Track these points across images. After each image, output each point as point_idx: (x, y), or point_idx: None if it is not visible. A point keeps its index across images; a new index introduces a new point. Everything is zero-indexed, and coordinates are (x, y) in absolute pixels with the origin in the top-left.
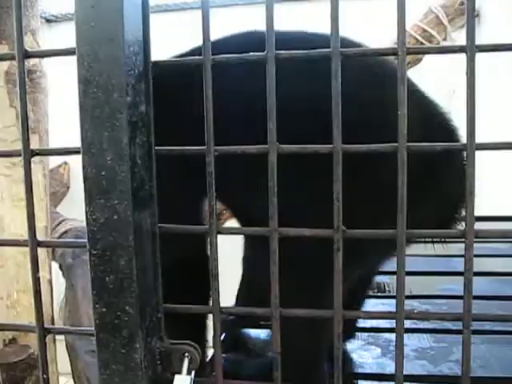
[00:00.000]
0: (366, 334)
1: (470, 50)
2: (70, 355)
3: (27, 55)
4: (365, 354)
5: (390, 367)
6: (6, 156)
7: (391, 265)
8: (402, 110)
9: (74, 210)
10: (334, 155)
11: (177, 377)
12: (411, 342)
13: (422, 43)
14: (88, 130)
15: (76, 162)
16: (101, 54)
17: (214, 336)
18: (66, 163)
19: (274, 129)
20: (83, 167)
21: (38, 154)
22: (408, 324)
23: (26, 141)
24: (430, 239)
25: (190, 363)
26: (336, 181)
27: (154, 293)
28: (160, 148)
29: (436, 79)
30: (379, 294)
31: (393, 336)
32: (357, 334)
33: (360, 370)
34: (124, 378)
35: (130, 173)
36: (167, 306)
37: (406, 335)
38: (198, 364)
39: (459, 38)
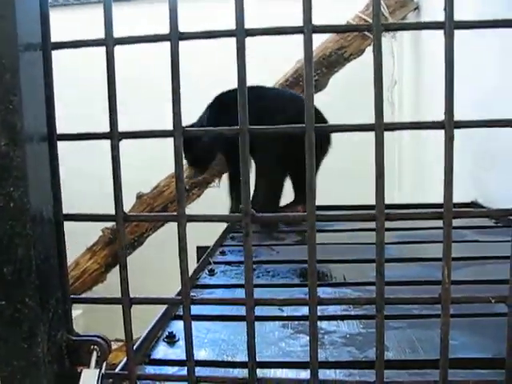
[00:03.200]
0: (296, 322)
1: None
2: None
3: None
4: (294, 342)
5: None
6: None
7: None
8: (309, 91)
9: None
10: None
11: (84, 371)
12: (341, 328)
13: (364, 34)
14: None
15: None
16: None
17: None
18: None
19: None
20: None
21: None
22: (339, 311)
23: None
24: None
25: (98, 356)
26: (243, 163)
27: (59, 284)
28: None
29: None
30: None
31: (323, 324)
32: (287, 322)
33: (287, 359)
34: (26, 373)
35: (25, 158)
36: (74, 297)
37: (335, 322)
38: (107, 357)
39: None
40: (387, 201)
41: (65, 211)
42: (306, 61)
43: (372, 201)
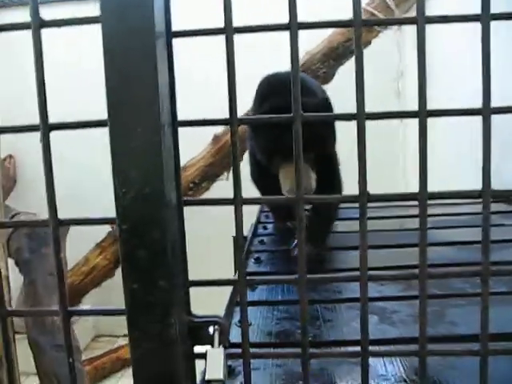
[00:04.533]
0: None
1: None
2: (33, 352)
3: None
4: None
5: (390, 332)
6: None
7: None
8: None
9: (23, 203)
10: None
11: (209, 350)
12: (404, 308)
13: (370, 27)
14: (116, 97)
15: (23, 154)
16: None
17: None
18: (11, 156)
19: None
20: (111, 138)
21: (57, 128)
22: (396, 292)
23: None
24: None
25: (220, 335)
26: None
27: (182, 266)
28: (181, 120)
29: (385, 63)
30: None
31: (386, 304)
32: (353, 303)
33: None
34: (160, 355)
35: (161, 144)
36: (193, 280)
37: (398, 302)
38: (227, 336)
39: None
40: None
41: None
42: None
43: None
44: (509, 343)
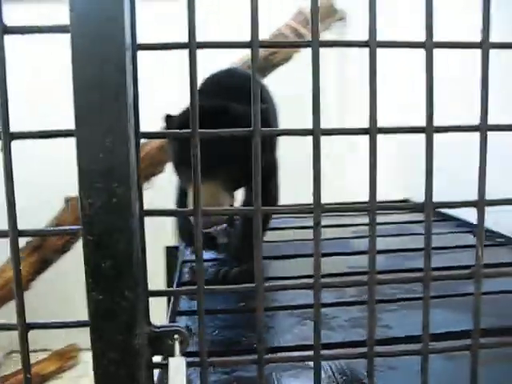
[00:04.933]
0: (299, 310)
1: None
2: None
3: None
4: (304, 328)
5: (332, 337)
6: None
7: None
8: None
9: None
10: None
11: (171, 359)
12: (341, 313)
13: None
14: (83, 110)
15: None
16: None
17: None
18: None
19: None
20: (78, 149)
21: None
22: (334, 299)
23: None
24: None
25: (180, 344)
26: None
27: (143, 276)
28: (144, 132)
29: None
30: None
31: (326, 310)
32: (291, 311)
33: (305, 342)
34: (122, 366)
35: (128, 154)
36: (153, 290)
37: (335, 308)
38: (188, 344)
39: (328, 37)
40: None
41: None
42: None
43: None
44: (445, 342)
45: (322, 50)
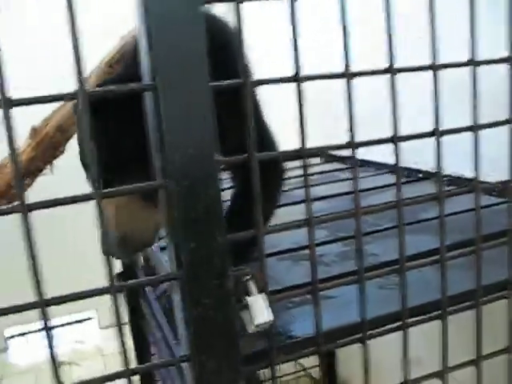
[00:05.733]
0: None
1: None
2: None
3: None
4: (299, 268)
5: (329, 271)
6: None
7: None
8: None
9: None
10: None
11: (252, 298)
12: (327, 250)
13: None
14: (164, 61)
15: None
16: None
17: None
18: None
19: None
20: (163, 103)
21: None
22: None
23: None
24: None
25: (255, 283)
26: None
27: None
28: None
29: None
30: None
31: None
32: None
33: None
34: (218, 310)
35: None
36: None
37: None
38: (264, 283)
39: None
40: None
41: None
42: None
43: None
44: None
45: None
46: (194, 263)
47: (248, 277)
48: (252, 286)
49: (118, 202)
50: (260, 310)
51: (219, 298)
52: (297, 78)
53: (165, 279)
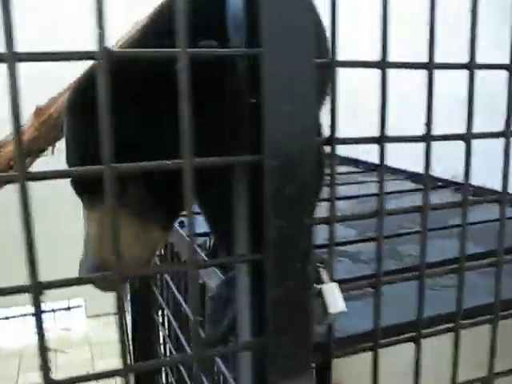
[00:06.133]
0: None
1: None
2: None
3: None
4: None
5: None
6: None
7: None
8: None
9: None
10: None
11: (323, 287)
12: (364, 249)
13: None
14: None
15: None
16: None
17: None
18: None
19: None
20: (267, 71)
21: None
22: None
23: None
24: None
25: (327, 271)
26: None
27: None
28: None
29: None
30: None
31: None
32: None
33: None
34: (298, 293)
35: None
36: None
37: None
38: (332, 271)
39: None
40: None
41: None
42: None
43: None
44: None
45: None
46: (283, 243)
47: (320, 264)
48: (325, 274)
49: (103, 216)
50: (334, 300)
51: (302, 280)
52: (381, 66)
53: (245, 259)
